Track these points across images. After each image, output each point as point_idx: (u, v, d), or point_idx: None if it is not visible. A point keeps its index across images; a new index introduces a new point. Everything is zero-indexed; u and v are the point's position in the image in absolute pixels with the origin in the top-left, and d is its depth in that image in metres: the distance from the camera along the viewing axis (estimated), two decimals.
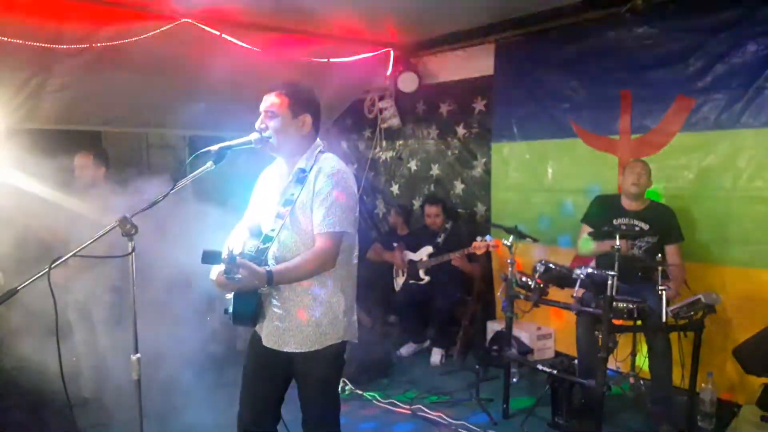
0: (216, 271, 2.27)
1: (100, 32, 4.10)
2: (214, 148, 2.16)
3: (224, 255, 2.01)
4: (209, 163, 2.15)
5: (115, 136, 5.57)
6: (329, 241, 2.25)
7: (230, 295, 2.30)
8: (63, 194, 3.78)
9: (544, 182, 5.06)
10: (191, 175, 2.15)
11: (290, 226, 2.30)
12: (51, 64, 4.17)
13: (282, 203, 2.32)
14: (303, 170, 2.33)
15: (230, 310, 2.29)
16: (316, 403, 2.41)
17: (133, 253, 2.10)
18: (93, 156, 3.96)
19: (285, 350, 2.35)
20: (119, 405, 3.78)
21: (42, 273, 2.12)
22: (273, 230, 2.29)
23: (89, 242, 2.20)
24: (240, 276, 2.05)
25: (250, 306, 2.30)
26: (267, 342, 2.39)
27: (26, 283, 2.13)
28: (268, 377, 2.45)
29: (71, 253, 2.28)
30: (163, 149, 6.07)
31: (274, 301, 2.35)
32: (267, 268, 2.18)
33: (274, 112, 2.29)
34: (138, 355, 2.14)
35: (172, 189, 2.11)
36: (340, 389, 4.19)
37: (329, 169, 2.30)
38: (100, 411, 3.84)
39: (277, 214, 2.30)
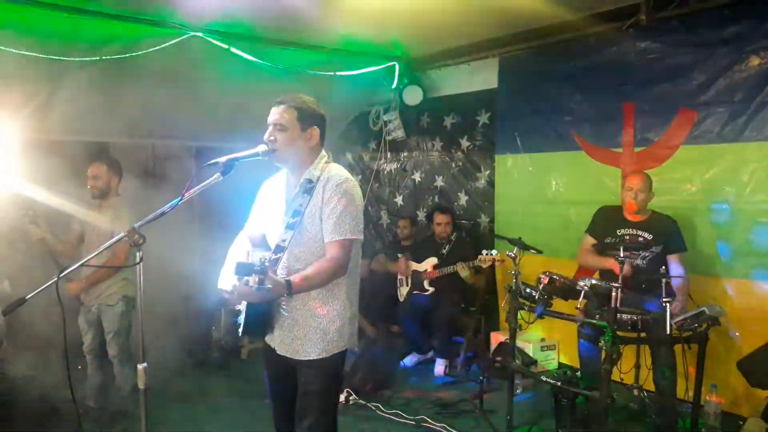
0: (230, 281, 2.30)
1: (110, 45, 4.16)
2: (222, 159, 2.18)
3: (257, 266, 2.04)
4: (216, 175, 2.18)
5: (122, 147, 5.62)
6: (341, 249, 2.30)
7: (240, 307, 2.33)
8: (75, 204, 3.81)
9: (548, 194, 5.07)
10: (199, 186, 2.18)
11: (300, 236, 2.33)
12: (60, 75, 4.23)
13: (291, 214, 2.35)
14: (310, 181, 2.37)
15: (240, 321, 2.31)
16: (315, 413, 2.38)
17: (141, 263, 2.12)
18: (107, 166, 3.94)
19: (297, 358, 2.37)
20: (124, 413, 3.81)
21: (51, 282, 2.15)
22: (284, 240, 2.31)
23: (96, 252, 2.23)
24: (271, 286, 2.07)
25: (261, 317, 2.33)
26: (281, 350, 2.42)
27: (35, 292, 2.16)
28: (290, 384, 2.46)
29: (79, 263, 2.32)
30: (170, 160, 6.11)
31: (283, 311, 2.37)
32: (286, 278, 2.20)
33: (283, 125, 2.33)
34: (144, 364, 2.16)
35: (180, 199, 2.14)
36: (344, 399, 4.22)
37: (337, 179, 2.35)
38: (106, 420, 3.86)
39: (287, 225, 2.33)
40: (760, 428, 3.31)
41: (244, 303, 2.28)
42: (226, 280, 2.41)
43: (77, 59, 4.10)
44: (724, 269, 4.00)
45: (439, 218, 5.41)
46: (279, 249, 2.31)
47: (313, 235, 2.33)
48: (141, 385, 2.16)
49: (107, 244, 2.23)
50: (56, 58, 3.99)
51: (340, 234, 2.29)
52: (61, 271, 2.21)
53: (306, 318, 2.35)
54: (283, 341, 2.40)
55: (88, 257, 2.31)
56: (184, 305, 5.05)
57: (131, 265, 2.16)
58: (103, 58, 4.16)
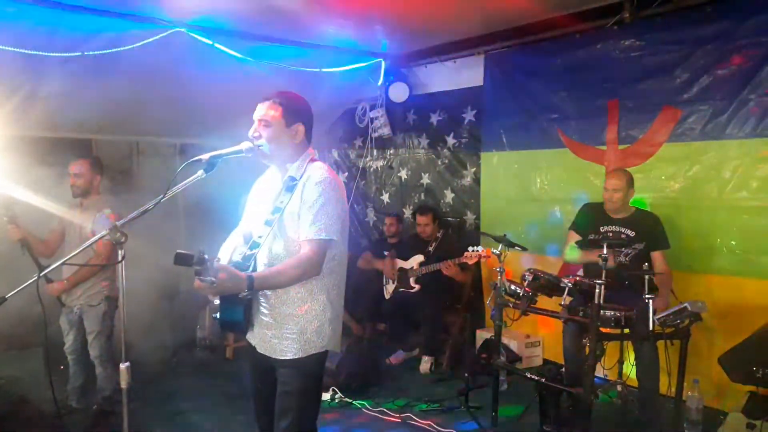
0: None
1: (93, 40, 4.10)
2: (205, 157, 2.16)
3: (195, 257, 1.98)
4: (200, 172, 2.16)
5: (105, 144, 5.55)
6: (314, 248, 2.26)
7: (218, 302, 2.31)
8: (56, 203, 3.75)
9: (533, 191, 5.10)
10: (182, 183, 2.16)
11: (278, 234, 2.31)
12: (43, 71, 4.17)
13: (271, 211, 2.33)
14: (293, 178, 2.35)
15: (218, 316, 2.30)
16: (292, 413, 2.34)
17: (124, 262, 2.10)
18: (90, 163, 3.88)
19: (274, 357, 2.36)
20: (107, 414, 3.77)
21: (31, 281, 2.13)
22: (260, 237, 2.30)
23: (78, 250, 2.21)
24: (213, 279, 1.99)
25: (236, 313, 2.30)
26: (260, 349, 2.40)
27: (14, 291, 2.13)
28: (271, 383, 2.43)
29: (60, 262, 2.29)
30: (154, 157, 6.05)
31: (263, 309, 2.36)
32: (248, 273, 2.17)
33: (268, 121, 2.31)
34: (127, 363, 2.13)
35: (162, 197, 2.12)
36: (329, 397, 4.21)
37: (317, 177, 2.32)
38: (89, 420, 3.82)
39: (266, 221, 2.32)
40: (741, 423, 3.35)
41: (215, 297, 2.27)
42: None
43: (59, 54, 4.04)
44: (706, 265, 4.04)
45: (420, 219, 5.42)
46: (254, 245, 2.29)
47: (292, 234, 2.30)
48: (123, 385, 2.14)
49: (89, 242, 2.20)
50: (37, 53, 3.93)
51: (314, 233, 2.25)
52: (42, 270, 2.18)
53: (283, 317, 2.33)
54: (262, 339, 2.38)
55: (69, 256, 2.28)
56: (167, 304, 5.02)
57: (113, 264, 2.13)
58: (86, 53, 4.11)
